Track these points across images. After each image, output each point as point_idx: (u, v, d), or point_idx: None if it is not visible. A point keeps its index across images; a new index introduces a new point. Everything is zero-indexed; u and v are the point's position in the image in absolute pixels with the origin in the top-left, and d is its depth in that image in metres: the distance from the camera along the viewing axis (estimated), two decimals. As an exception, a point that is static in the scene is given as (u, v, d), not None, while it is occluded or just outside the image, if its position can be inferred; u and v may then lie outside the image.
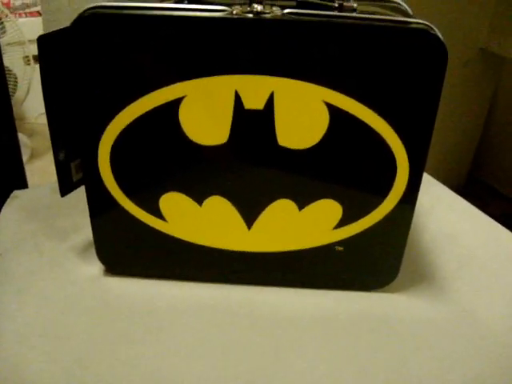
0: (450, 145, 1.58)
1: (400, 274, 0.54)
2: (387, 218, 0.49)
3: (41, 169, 1.76)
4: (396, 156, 0.46)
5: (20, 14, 2.02)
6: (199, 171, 0.48)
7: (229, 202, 0.49)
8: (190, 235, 0.51)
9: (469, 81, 1.49)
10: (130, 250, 0.53)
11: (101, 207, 0.51)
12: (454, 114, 1.51)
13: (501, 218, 0.70)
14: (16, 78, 1.80)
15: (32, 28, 1.73)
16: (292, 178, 0.47)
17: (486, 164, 1.73)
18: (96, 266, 0.56)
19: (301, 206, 0.49)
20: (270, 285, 0.54)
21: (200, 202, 0.49)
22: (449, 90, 0.43)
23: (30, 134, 2.03)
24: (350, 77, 0.43)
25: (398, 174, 0.47)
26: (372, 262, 0.53)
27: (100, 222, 0.52)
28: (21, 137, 1.89)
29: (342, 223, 0.50)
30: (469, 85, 1.50)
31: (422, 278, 0.57)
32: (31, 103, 1.92)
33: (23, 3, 2.05)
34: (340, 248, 0.51)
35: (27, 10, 2.04)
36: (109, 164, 0.48)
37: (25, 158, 1.76)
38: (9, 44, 1.73)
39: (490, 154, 1.71)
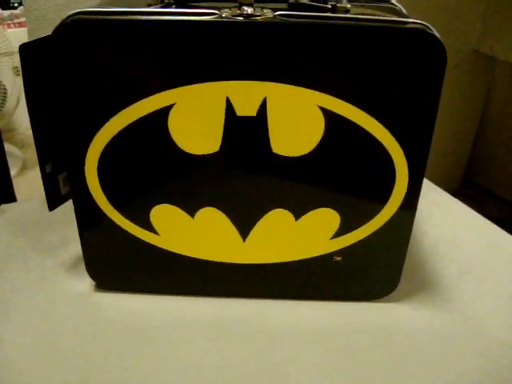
0: (443, 148, 1.57)
1: (401, 283, 0.52)
2: (387, 226, 0.48)
3: (32, 180, 1.74)
4: (395, 161, 0.44)
5: (8, 25, 2.00)
6: (191, 182, 0.46)
7: (222, 213, 0.47)
8: (182, 248, 0.50)
9: (461, 83, 1.48)
10: (121, 264, 0.51)
11: (89, 221, 0.49)
12: (447, 117, 1.49)
13: (498, 220, 0.69)
14: (5, 89, 1.77)
15: (21, 38, 1.71)
16: (287, 187, 0.46)
17: (480, 166, 1.72)
18: (86, 282, 0.54)
19: (297, 216, 0.47)
20: (267, 297, 0.53)
21: (192, 213, 0.47)
22: (442, 93, 0.42)
23: (21, 145, 2.00)
24: (346, 80, 0.41)
25: (397, 180, 0.45)
26: (372, 271, 0.51)
27: (89, 236, 0.50)
28: (12, 148, 1.88)
29: (340, 232, 0.48)
30: (461, 87, 1.49)
31: (424, 286, 0.56)
32: (21, 114, 1.89)
33: (12, 14, 2.04)
34: (338, 258, 0.49)
35: (16, 21, 2.02)
36: (96, 176, 0.46)
37: (16, 169, 1.76)
38: (-3, 55, 1.71)
39: (484, 155, 1.70)
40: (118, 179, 0.46)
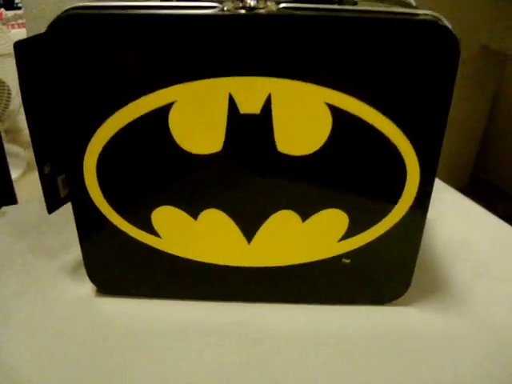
0: (452, 145, 1.56)
1: (412, 286, 0.51)
2: (397, 227, 0.46)
3: (37, 181, 1.73)
4: (405, 160, 0.43)
5: (12, 25, 2.00)
6: (193, 183, 0.44)
7: (226, 215, 0.46)
8: (185, 251, 0.48)
9: (471, 79, 1.47)
10: (122, 268, 0.50)
11: (89, 224, 0.47)
12: (456, 113, 1.48)
13: (508, 217, 0.67)
14: (9, 90, 1.77)
15: (24, 39, 1.71)
16: (294, 188, 0.44)
17: (489, 163, 1.70)
18: (87, 286, 0.52)
19: (304, 217, 0.46)
20: (273, 301, 0.51)
21: (195, 215, 0.46)
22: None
23: (26, 146, 2.00)
24: (354, 75, 0.40)
25: (408, 180, 0.44)
26: (382, 274, 0.49)
27: (89, 240, 0.49)
28: (16, 149, 1.87)
29: (348, 234, 0.46)
30: (471, 83, 1.47)
31: (435, 288, 0.54)
32: (26, 115, 1.89)
33: (15, 14, 2.03)
34: (347, 260, 0.48)
35: (19, 21, 2.01)
36: (95, 177, 0.44)
37: (20, 170, 1.74)
38: (1, 55, 1.70)
39: (493, 153, 1.68)
40: (118, 181, 0.45)
